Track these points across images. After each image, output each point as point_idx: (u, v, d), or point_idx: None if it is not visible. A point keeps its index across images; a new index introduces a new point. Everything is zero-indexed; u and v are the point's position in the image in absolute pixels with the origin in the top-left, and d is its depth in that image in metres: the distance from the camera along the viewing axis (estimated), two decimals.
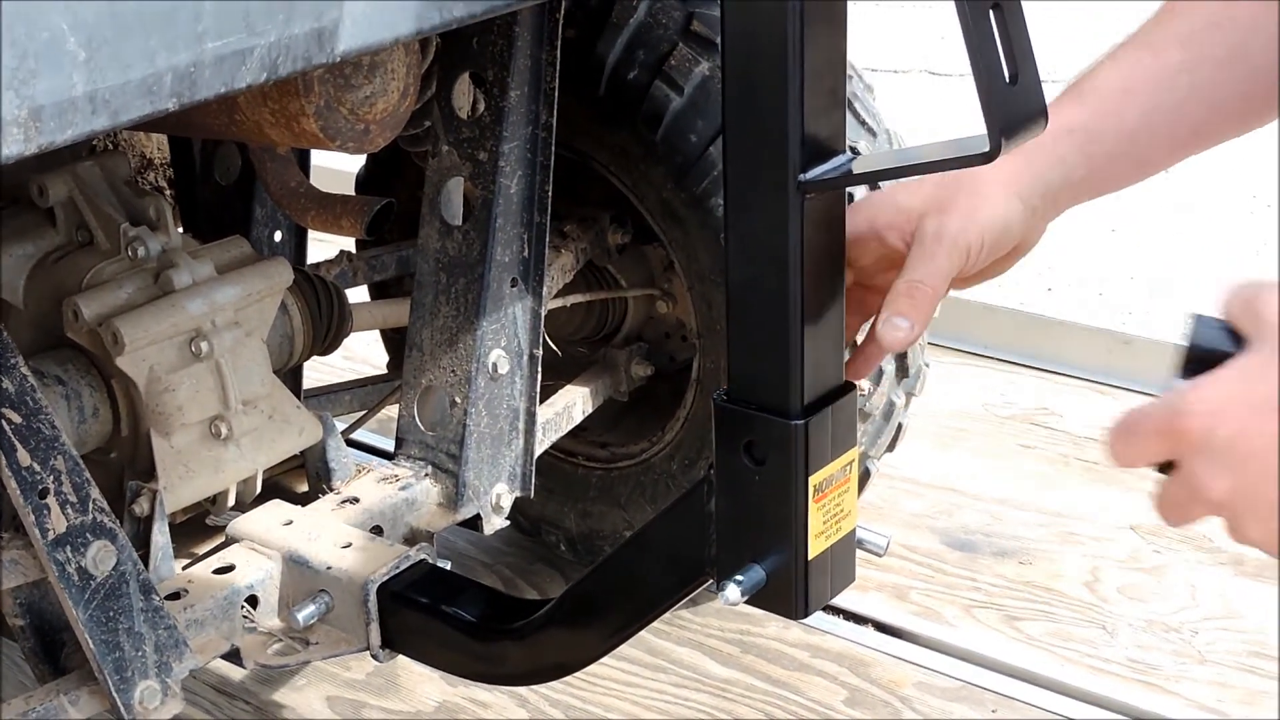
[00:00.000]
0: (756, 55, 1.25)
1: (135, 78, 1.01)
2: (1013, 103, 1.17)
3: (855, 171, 1.32)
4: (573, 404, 2.37)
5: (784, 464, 1.37)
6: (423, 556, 1.85)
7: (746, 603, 1.41)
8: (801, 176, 1.27)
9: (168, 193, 2.39)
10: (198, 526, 1.96)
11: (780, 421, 1.35)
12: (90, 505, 1.62)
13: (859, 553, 1.52)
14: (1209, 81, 1.33)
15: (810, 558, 1.40)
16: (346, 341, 2.21)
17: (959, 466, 2.97)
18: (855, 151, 1.90)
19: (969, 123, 1.17)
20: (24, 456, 1.57)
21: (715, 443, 1.42)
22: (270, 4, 1.07)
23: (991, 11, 1.15)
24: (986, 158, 1.19)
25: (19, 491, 1.57)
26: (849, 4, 1.29)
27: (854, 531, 1.46)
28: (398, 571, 1.82)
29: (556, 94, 1.98)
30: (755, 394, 1.37)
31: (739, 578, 1.41)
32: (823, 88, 1.27)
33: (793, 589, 1.41)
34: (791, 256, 1.30)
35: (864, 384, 2.36)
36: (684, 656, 2.49)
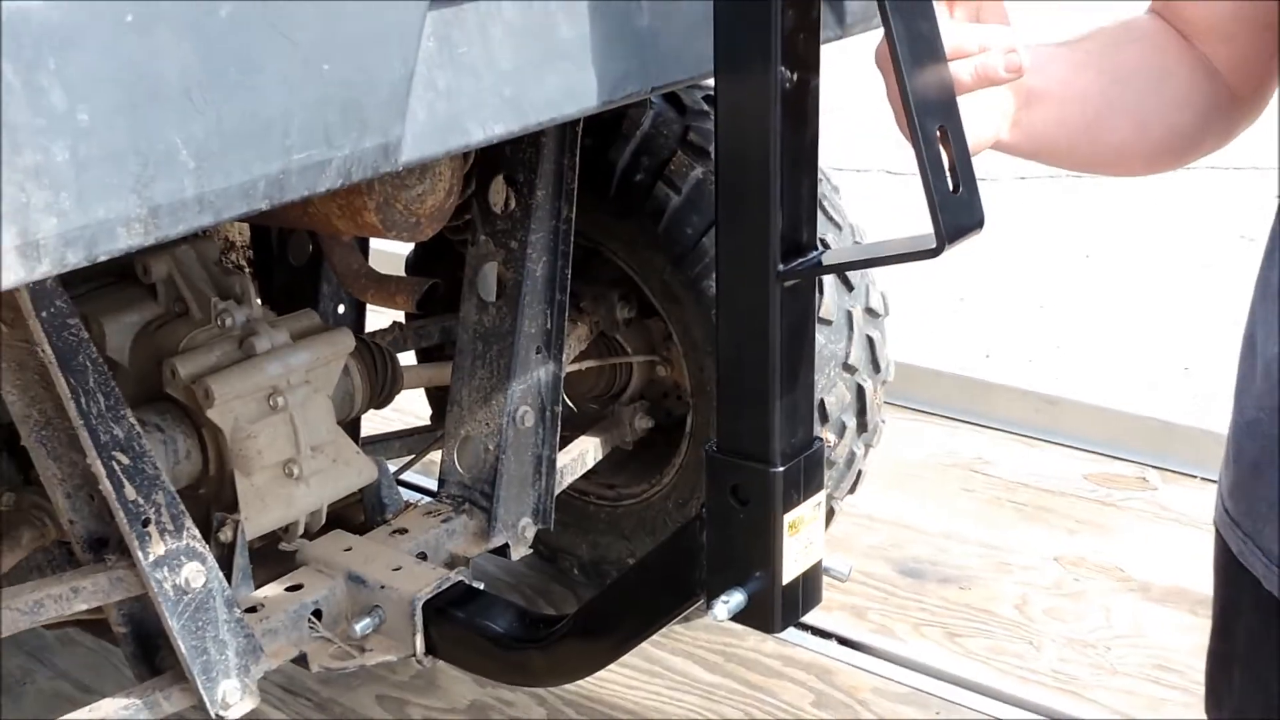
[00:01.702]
0: (744, 168, 1.27)
1: (235, 183, 1.03)
2: (957, 210, 1.17)
3: (824, 263, 1.34)
4: (586, 451, 2.39)
5: (764, 504, 1.38)
6: (460, 578, 1.87)
7: (731, 620, 1.42)
8: (780, 268, 1.29)
9: (248, 271, 2.42)
10: (272, 551, 1.98)
11: (761, 469, 1.37)
12: (184, 533, 1.64)
13: (825, 578, 1.52)
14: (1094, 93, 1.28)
15: (785, 582, 1.41)
16: (397, 397, 2.23)
17: (909, 507, 2.98)
18: (825, 244, 1.93)
19: (922, 215, 1.18)
20: (130, 491, 1.60)
21: (706, 486, 1.43)
22: (345, 123, 1.10)
23: (939, 132, 1.16)
24: (933, 254, 1.19)
25: (125, 521, 1.59)
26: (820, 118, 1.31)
27: (821, 561, 1.48)
28: (439, 590, 1.84)
29: (575, 193, 2.01)
30: (740, 446, 1.38)
31: (725, 599, 1.42)
32: (798, 195, 1.29)
33: (770, 608, 1.42)
34: (771, 333, 1.32)
35: (830, 436, 2.38)
36: (677, 664, 2.50)
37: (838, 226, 2.34)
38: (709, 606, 1.44)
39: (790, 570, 1.42)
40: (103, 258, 0.97)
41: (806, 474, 1.41)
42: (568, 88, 1.29)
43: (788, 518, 1.39)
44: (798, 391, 1.38)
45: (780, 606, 1.42)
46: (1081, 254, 4.93)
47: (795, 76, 1.25)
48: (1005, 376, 3.60)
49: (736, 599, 1.42)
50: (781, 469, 1.37)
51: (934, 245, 1.18)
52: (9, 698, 2.44)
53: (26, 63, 0.91)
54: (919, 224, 1.19)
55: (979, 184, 1.20)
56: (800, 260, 1.31)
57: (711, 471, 1.42)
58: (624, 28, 1.33)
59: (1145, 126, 1.28)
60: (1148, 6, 1.32)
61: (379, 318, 2.52)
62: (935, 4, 1.22)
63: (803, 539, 1.43)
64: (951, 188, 1.17)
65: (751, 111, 1.25)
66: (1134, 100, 1.27)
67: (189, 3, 0.98)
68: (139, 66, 0.96)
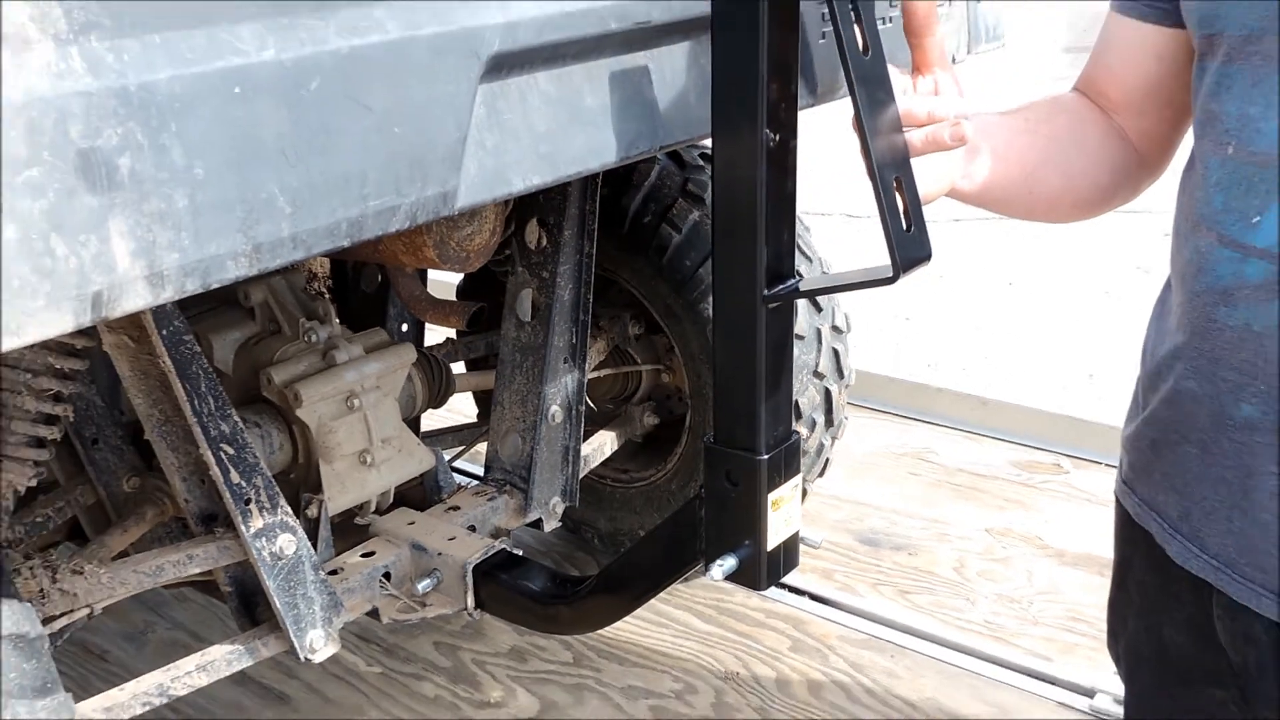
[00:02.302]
0: (736, 211, 1.27)
1: (322, 224, 1.03)
2: (909, 245, 1.17)
3: (801, 289, 1.34)
4: (604, 443, 2.39)
5: (752, 485, 1.38)
6: (503, 546, 1.87)
7: (725, 580, 1.42)
8: (765, 292, 1.28)
9: (328, 296, 2.42)
10: (349, 525, 1.98)
11: (750, 457, 1.36)
12: (279, 510, 1.64)
13: (801, 546, 1.52)
14: (1030, 154, 1.28)
15: (768, 549, 1.41)
16: (450, 399, 2.24)
17: (867, 488, 2.98)
18: (800, 274, 1.92)
19: (875, 252, 1.18)
20: (235, 476, 1.60)
21: (704, 471, 1.42)
22: (411, 176, 1.10)
23: (895, 182, 1.16)
24: (890, 281, 1.19)
25: (231, 500, 1.59)
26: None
27: (798, 532, 1.47)
28: (486, 556, 1.84)
29: (595, 232, 2.01)
30: (732, 438, 1.38)
31: (720, 563, 1.41)
32: (780, 234, 1.29)
33: (757, 570, 1.41)
34: (758, 347, 1.31)
35: (804, 430, 2.38)
36: (679, 615, 2.49)
37: (809, 260, 2.34)
38: (707, 569, 1.43)
39: (773, 539, 1.41)
40: (215, 285, 0.97)
41: (786, 461, 1.40)
42: (591, 146, 1.29)
43: (771, 496, 1.39)
44: (779, 394, 1.37)
45: (765, 569, 1.41)
46: (1005, 282, 4.95)
47: (777, 138, 1.25)
48: (945, 382, 3.60)
49: (729, 563, 1.42)
50: (766, 457, 1.36)
51: (890, 274, 1.18)
52: (134, 645, 2.44)
53: (153, 127, 0.90)
54: (874, 258, 1.19)
55: (928, 225, 1.19)
56: (781, 286, 1.31)
57: (709, 459, 1.41)
58: (636, 97, 1.33)
59: (1071, 181, 1.28)
60: (1074, 84, 1.33)
61: (435, 335, 2.52)
62: (900, 76, 1.22)
63: (783, 514, 1.42)
64: (905, 227, 1.17)
65: (742, 166, 1.25)
66: (1063, 160, 1.28)
67: (284, 77, 0.98)
68: (244, 130, 0.96)
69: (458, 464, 2.63)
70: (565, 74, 1.25)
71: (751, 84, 1.22)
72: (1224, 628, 1.16)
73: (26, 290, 0.85)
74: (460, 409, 2.84)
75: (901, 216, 1.16)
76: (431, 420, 2.44)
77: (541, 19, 1.19)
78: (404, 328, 2.38)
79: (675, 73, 1.37)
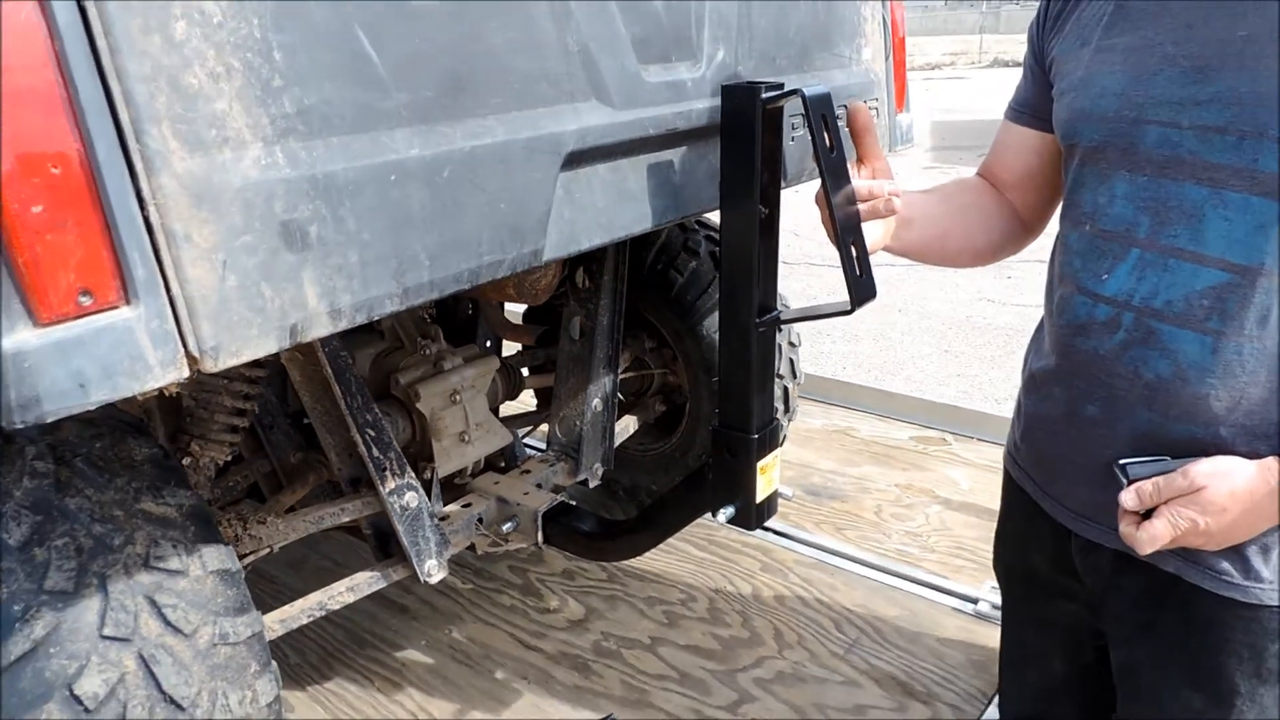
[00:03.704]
0: (737, 262, 1.25)
1: (450, 274, 1.01)
2: (861, 288, 1.16)
3: (782, 318, 1.31)
4: (629, 424, 2.35)
5: (745, 456, 1.36)
6: (562, 498, 1.83)
7: (727, 523, 1.40)
8: (756, 320, 1.27)
9: (434, 320, 2.39)
10: (454, 484, 1.94)
11: (744, 435, 1.35)
12: (406, 474, 1.60)
13: (780, 500, 1.50)
14: (943, 220, 1.26)
15: (757, 502, 1.39)
16: (521, 395, 2.19)
17: (810, 455, 2.94)
18: (785, 306, 1.89)
19: (831, 292, 1.15)
20: (375, 451, 1.56)
21: (711, 446, 1.40)
22: (512, 239, 1.07)
23: (849, 242, 1.14)
24: (847, 313, 1.18)
25: (373, 468, 1.56)
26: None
27: (777, 490, 1.45)
28: (551, 505, 1.80)
29: (626, 276, 1.98)
30: (732, 422, 1.36)
31: (723, 511, 1.40)
32: (769, 278, 1.27)
33: (749, 516, 1.40)
34: (752, 360, 1.30)
35: (782, 419, 2.35)
36: (681, 546, 2.44)
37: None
38: (715, 515, 1.41)
39: (760, 494, 1.40)
40: (376, 319, 0.94)
41: (769, 439, 1.39)
42: (635, 216, 1.26)
43: (759, 464, 1.37)
44: (765, 392, 1.36)
45: (754, 515, 1.40)
46: (896, 310, 4.92)
47: (766, 210, 1.23)
48: (865, 380, 3.57)
49: (729, 511, 1.40)
50: (755, 436, 1.35)
51: (848, 308, 1.17)
52: (294, 571, 2.40)
53: (334, 203, 0.88)
54: (832, 296, 1.16)
55: (873, 270, 1.18)
56: (768, 315, 1.30)
57: (715, 437, 1.39)
58: (665, 181, 1.30)
59: (972, 240, 1.26)
60: (978, 170, 1.31)
61: (510, 349, 2.48)
62: (850, 166, 1.20)
63: (767, 477, 1.40)
64: (859, 274, 1.16)
65: (742, 231, 1.24)
66: (966, 224, 1.26)
67: (425, 168, 0.95)
68: (397, 205, 0.93)
69: (527, 440, 2.58)
70: (617, 165, 1.23)
71: (749, 172, 1.20)
72: (1080, 561, 1.16)
73: (243, 323, 0.82)
74: (526, 402, 2.80)
75: (856, 266, 1.15)
76: (506, 409, 2.40)
77: (602, 127, 1.16)
78: (489, 343, 2.34)
79: (693, 164, 1.34)
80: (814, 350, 4.45)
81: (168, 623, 1.14)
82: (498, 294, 1.82)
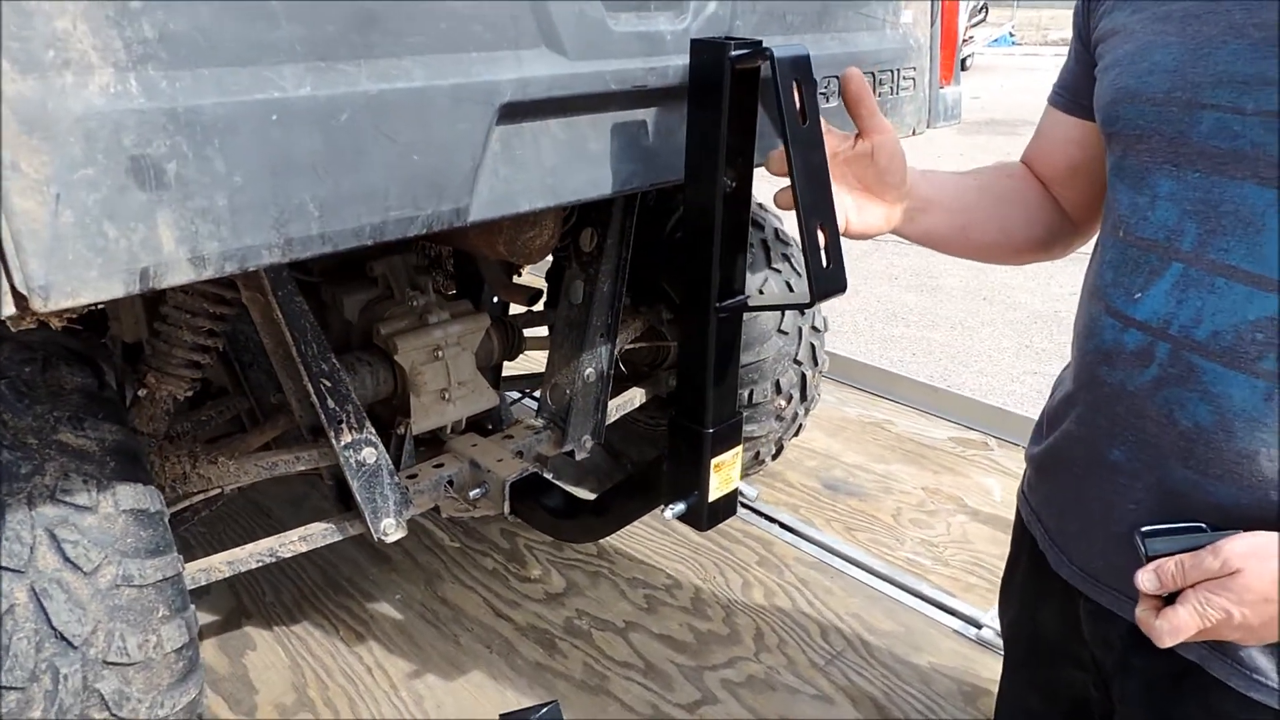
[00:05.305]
0: (698, 239, 1.15)
1: (348, 227, 0.94)
2: (827, 279, 1.04)
3: (750, 304, 1.21)
4: (635, 397, 2.26)
5: (699, 452, 1.26)
6: (534, 470, 1.76)
7: (675, 519, 1.30)
8: (717, 304, 1.16)
9: (451, 275, 2.34)
10: (433, 440, 1.90)
11: (699, 430, 1.25)
12: (364, 429, 1.57)
13: (740, 499, 1.41)
14: (971, 208, 1.14)
15: (710, 500, 1.29)
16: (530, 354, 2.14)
17: (835, 446, 2.81)
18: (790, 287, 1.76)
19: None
20: (330, 403, 1.52)
21: (668, 439, 1.30)
22: (429, 194, 1.00)
23: (818, 228, 1.03)
24: (806, 307, 1.08)
25: (326, 421, 1.53)
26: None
27: (736, 489, 1.35)
28: (520, 476, 1.74)
29: (632, 243, 1.87)
30: (688, 416, 1.26)
31: (673, 506, 1.30)
32: (733, 258, 1.16)
33: (700, 515, 1.30)
34: (709, 347, 1.19)
35: (782, 401, 2.24)
36: (678, 526, 2.37)
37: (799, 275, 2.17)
38: (665, 509, 1.31)
39: (714, 493, 1.30)
40: (251, 269, 0.88)
41: (728, 435, 1.28)
42: (591, 179, 1.16)
43: (714, 461, 1.27)
44: (725, 384, 1.25)
45: (707, 515, 1.30)
46: (981, 298, 4.68)
47: (733, 183, 1.12)
48: (906, 371, 3.40)
49: (679, 507, 1.30)
50: (711, 431, 1.25)
51: (807, 300, 1.06)
52: (293, 507, 2.42)
53: (198, 141, 0.81)
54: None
55: (844, 259, 1.05)
56: (731, 300, 1.18)
57: (671, 428, 1.30)
58: (633, 144, 1.20)
59: (1008, 233, 1.13)
60: (1020, 157, 1.17)
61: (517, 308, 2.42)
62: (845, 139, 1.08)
63: (723, 475, 1.30)
64: (825, 264, 1.03)
65: (704, 203, 1.13)
66: (1001, 216, 1.13)
67: (316, 109, 0.88)
68: (279, 148, 0.86)
69: (532, 399, 2.53)
70: (572, 122, 1.13)
71: (713, 139, 1.09)
72: (1089, 629, 1.02)
73: (81, 263, 0.77)
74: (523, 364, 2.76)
75: (822, 254, 1.03)
76: (510, 370, 2.35)
77: (549, 78, 1.06)
78: (495, 300, 2.28)
79: (671, 127, 1.24)
80: (885, 333, 4.25)
81: (66, 558, 1.12)
82: (491, 250, 1.74)
